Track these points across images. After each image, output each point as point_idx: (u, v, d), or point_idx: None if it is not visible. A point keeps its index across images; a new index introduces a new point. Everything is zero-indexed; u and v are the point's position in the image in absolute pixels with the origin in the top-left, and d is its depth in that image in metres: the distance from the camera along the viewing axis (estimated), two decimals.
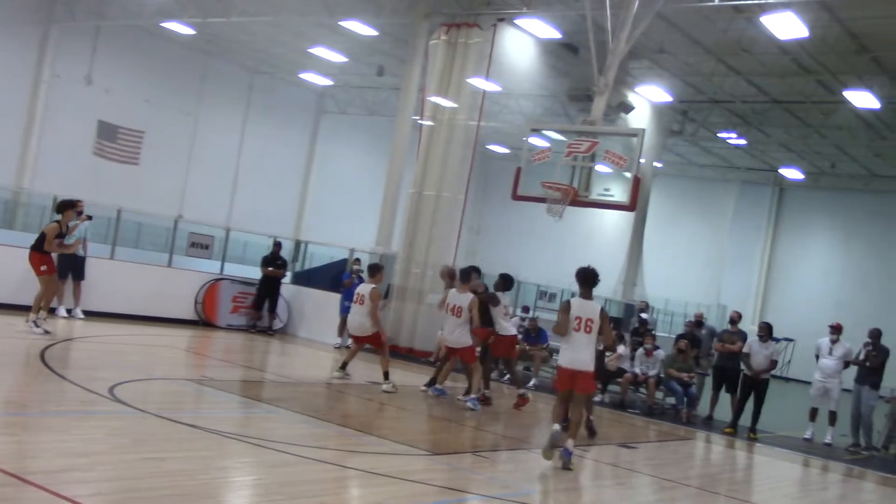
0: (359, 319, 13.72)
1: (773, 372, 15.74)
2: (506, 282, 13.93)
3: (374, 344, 14.03)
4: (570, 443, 9.64)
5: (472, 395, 13.06)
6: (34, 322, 13.49)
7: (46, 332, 13.34)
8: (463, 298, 13.05)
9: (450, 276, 13.97)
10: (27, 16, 27.53)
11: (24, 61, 27.73)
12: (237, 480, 7.42)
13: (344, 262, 20.86)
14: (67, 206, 14.19)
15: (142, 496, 6.18)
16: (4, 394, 9.56)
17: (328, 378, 14.30)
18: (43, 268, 13.67)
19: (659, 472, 10.49)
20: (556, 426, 9.70)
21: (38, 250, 13.65)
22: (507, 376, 16.16)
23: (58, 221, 13.97)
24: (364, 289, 13.79)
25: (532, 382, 17.29)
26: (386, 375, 13.53)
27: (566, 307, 10.03)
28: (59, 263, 15.25)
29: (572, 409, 10.03)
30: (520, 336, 17.96)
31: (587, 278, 10.06)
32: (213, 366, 14.93)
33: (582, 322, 9.85)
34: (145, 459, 7.30)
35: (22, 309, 14.44)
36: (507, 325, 13.89)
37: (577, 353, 9.87)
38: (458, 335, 13.09)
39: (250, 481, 7.43)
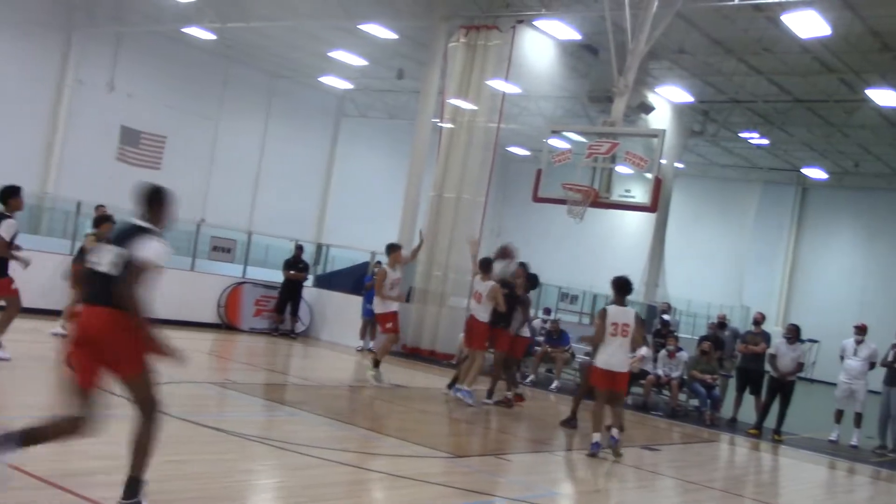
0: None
1: (805, 374, 15.62)
2: (532, 282, 14.02)
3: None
4: (615, 431, 10.53)
5: (465, 388, 13.01)
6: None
7: None
8: (484, 286, 13.24)
9: (503, 255, 13.95)
10: (49, 22, 27.76)
11: (48, 68, 27.98)
12: (260, 483, 7.45)
13: (365, 265, 20.89)
14: (105, 221, 14.51)
15: (165, 499, 6.21)
16: (29, 398, 9.62)
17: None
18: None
19: (682, 475, 10.44)
20: (598, 436, 10.44)
21: (80, 263, 14.08)
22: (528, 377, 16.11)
23: (94, 234, 14.28)
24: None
25: (554, 385, 17.25)
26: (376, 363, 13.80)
27: (603, 315, 10.79)
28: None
29: (613, 408, 10.81)
30: (541, 338, 17.98)
31: (623, 286, 10.91)
32: (236, 369, 14.99)
33: (619, 327, 10.61)
34: (169, 462, 7.33)
35: (46, 314, 14.55)
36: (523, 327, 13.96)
37: (614, 356, 10.63)
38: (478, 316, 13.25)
39: (273, 484, 7.46)
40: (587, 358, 17.25)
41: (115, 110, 29.44)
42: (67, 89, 28.44)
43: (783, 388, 15.08)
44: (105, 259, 5.67)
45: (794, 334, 15.37)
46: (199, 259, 19.69)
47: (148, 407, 5.92)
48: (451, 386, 13.80)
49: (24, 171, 25.14)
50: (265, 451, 8.33)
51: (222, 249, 19.70)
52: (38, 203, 27.19)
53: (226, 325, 19.07)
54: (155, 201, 6.22)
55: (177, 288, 18.38)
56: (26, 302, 12.56)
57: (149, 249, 5.72)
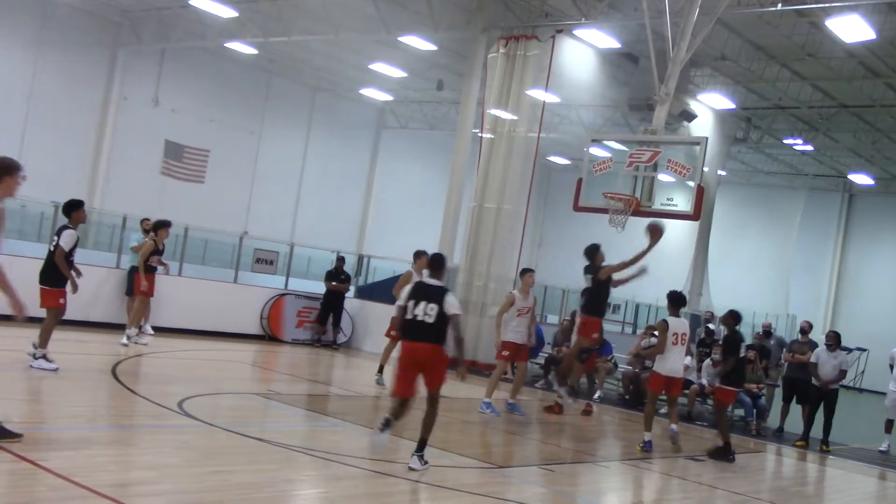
0: None
1: (845, 382, 15.36)
2: None
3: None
4: (674, 426, 12.03)
5: (487, 399, 13.14)
6: (128, 336, 14.74)
7: (145, 344, 14.75)
8: (528, 301, 13.78)
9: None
10: (95, 40, 28.27)
11: (94, 85, 28.48)
12: (303, 493, 7.48)
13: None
14: (162, 226, 15.40)
15: None
16: (77, 409, 9.77)
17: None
18: (144, 286, 15.00)
19: (728, 486, 10.30)
20: (650, 434, 11.65)
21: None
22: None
23: (154, 240, 15.17)
24: None
25: (597, 395, 17.13)
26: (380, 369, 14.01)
27: (665, 327, 11.77)
28: (130, 281, 15.76)
29: (672, 407, 12.38)
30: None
31: (678, 300, 12.27)
32: (279, 380, 15.09)
33: (679, 336, 11.75)
34: (213, 473, 7.40)
35: (91, 325, 14.79)
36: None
37: (675, 364, 11.78)
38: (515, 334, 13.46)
39: (316, 494, 7.49)
40: (629, 367, 17.18)
41: (159, 125, 29.88)
42: (113, 106, 28.92)
43: (826, 397, 14.76)
44: (427, 312, 8.44)
45: (834, 341, 15.07)
46: (242, 271, 19.89)
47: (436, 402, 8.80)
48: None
49: (72, 185, 25.60)
50: (308, 462, 8.37)
51: (265, 261, 19.87)
52: (87, 217, 27.60)
53: (269, 336, 19.22)
54: (440, 266, 8.98)
55: (221, 300, 18.62)
56: (73, 314, 12.80)
57: (453, 305, 8.47)
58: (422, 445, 8.45)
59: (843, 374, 14.98)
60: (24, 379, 10.21)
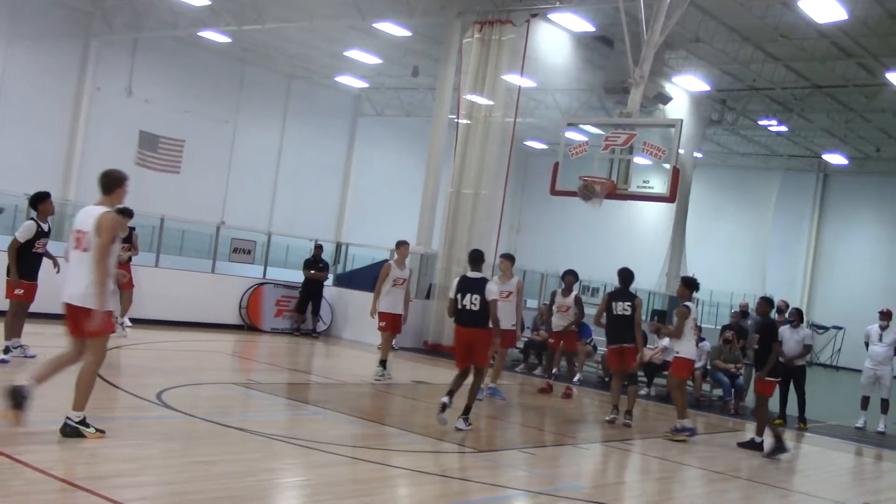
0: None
1: (823, 361, 15.49)
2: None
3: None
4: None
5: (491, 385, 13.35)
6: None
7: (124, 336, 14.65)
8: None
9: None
10: (67, 30, 27.99)
11: (66, 75, 28.20)
12: (285, 482, 7.48)
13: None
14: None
15: (191, 499, 6.25)
16: (56, 401, 9.69)
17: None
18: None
19: (708, 465, 10.39)
20: (689, 421, 12.06)
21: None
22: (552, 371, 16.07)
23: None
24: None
25: (577, 378, 17.22)
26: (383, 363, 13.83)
27: (687, 313, 11.88)
28: None
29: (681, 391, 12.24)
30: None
31: (695, 285, 12.37)
32: (259, 369, 15.06)
33: (693, 322, 12.16)
34: (194, 463, 7.39)
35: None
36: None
37: (693, 348, 12.30)
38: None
39: (297, 482, 7.49)
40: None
41: (133, 116, 29.65)
42: (86, 96, 28.67)
43: (793, 374, 14.79)
44: (472, 302, 10.25)
45: (797, 317, 15.14)
46: (219, 261, 19.78)
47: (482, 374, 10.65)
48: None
49: (46, 178, 25.34)
50: (289, 450, 8.37)
51: (242, 251, 19.78)
52: (61, 210, 27.39)
53: (248, 326, 19.16)
54: (479, 260, 10.75)
55: (198, 290, 18.54)
56: (49, 307, 12.70)
57: (491, 293, 10.32)
58: (467, 410, 10.21)
59: (807, 349, 15.04)
60: (4, 371, 10.13)
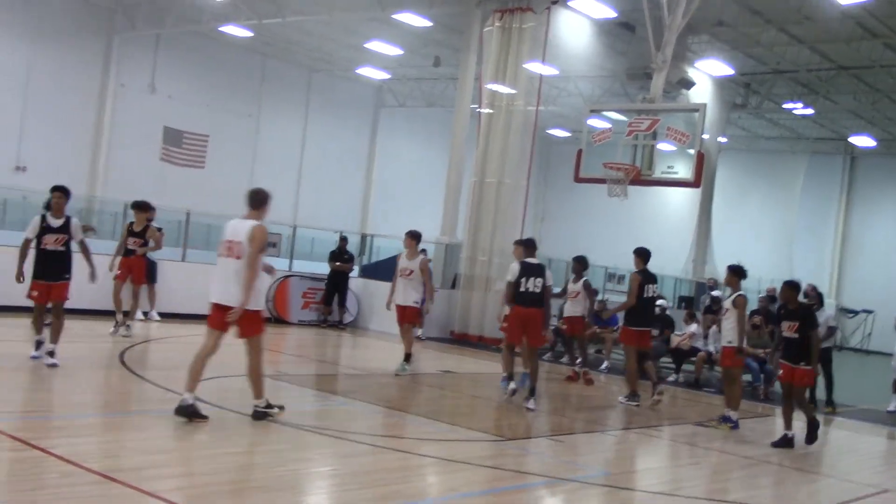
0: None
1: (860, 345, 15.32)
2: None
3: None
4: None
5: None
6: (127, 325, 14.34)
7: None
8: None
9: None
10: (90, 28, 28.19)
11: (90, 73, 28.41)
12: (314, 471, 7.52)
13: None
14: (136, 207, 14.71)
15: (221, 490, 6.30)
16: (88, 396, 9.82)
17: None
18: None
19: (738, 451, 10.34)
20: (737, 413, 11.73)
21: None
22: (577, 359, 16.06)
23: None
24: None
25: (604, 365, 17.18)
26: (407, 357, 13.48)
27: (745, 302, 11.54)
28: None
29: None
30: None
31: (744, 273, 11.69)
32: (287, 361, 15.13)
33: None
34: (224, 454, 7.44)
35: (100, 314, 14.81)
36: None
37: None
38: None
39: (326, 472, 7.53)
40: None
41: (157, 112, 29.83)
42: (110, 94, 28.86)
43: (819, 358, 14.54)
44: (535, 285, 11.36)
45: (816, 300, 14.95)
46: None
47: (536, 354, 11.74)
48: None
49: (73, 175, 25.55)
50: (318, 440, 8.42)
51: (268, 244, 19.83)
52: (88, 206, 27.64)
53: (274, 318, 19.24)
54: (534, 246, 12.03)
55: None
56: (79, 303, 12.85)
57: (549, 278, 11.55)
58: (532, 391, 11.27)
59: (831, 331, 14.83)
60: (31, 369, 10.23)
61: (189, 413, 8.14)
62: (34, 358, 10.59)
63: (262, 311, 8.78)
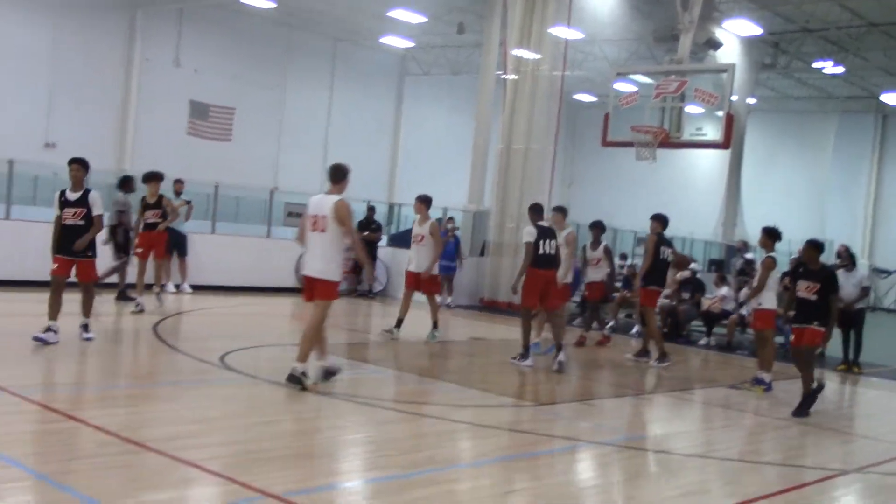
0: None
1: (888, 305, 15.15)
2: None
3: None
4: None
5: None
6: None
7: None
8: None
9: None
10: (113, 3, 28.19)
11: (115, 48, 28.46)
12: (348, 439, 7.57)
13: (438, 221, 20.91)
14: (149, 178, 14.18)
15: (257, 458, 6.36)
16: (123, 367, 9.95)
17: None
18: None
19: (771, 413, 10.30)
20: (769, 375, 11.71)
21: None
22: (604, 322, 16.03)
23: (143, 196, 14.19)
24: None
25: (635, 329, 17.15)
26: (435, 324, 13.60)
27: (773, 264, 11.56)
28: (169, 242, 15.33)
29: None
30: (619, 284, 17.86)
31: (779, 235, 11.63)
32: None
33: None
34: (258, 423, 7.51)
35: (128, 286, 14.95)
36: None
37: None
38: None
39: (361, 439, 7.57)
40: (666, 300, 17.00)
41: (182, 85, 29.86)
42: (136, 68, 28.93)
43: (852, 319, 14.45)
44: (551, 246, 11.73)
45: (848, 259, 14.74)
46: (274, 226, 19.98)
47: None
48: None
49: (101, 150, 25.73)
50: (352, 408, 8.47)
51: (296, 215, 19.90)
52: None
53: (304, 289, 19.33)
54: (540, 210, 12.15)
55: (255, 255, 18.75)
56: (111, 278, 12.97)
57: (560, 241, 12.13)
58: (559, 347, 11.54)
59: (865, 291, 14.66)
60: (65, 342, 10.33)
61: (298, 381, 8.60)
62: (37, 339, 9.74)
63: (339, 281, 9.14)
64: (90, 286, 10.41)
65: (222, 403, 8.13)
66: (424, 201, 13.54)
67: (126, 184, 15.22)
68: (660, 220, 13.26)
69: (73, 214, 10.13)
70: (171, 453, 6.10)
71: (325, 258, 8.83)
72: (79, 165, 10.22)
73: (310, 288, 8.97)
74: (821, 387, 10.28)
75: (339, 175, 9.19)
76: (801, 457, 8.66)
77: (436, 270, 13.87)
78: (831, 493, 7.22)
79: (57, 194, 10.31)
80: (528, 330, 11.87)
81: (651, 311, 13.23)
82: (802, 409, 10.03)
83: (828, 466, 8.02)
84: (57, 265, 10.14)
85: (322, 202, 9.00)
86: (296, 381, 8.64)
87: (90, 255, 10.32)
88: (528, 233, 11.69)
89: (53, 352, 9.65)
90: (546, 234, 11.69)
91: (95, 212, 10.24)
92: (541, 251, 11.56)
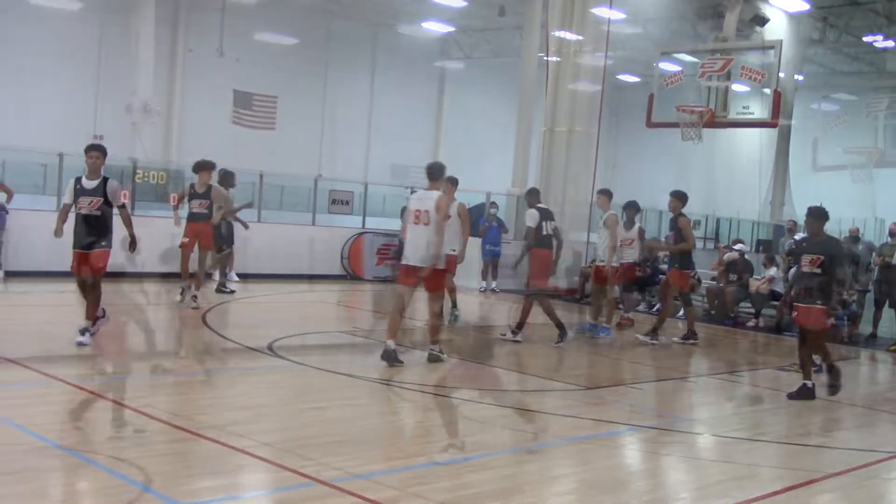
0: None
1: None
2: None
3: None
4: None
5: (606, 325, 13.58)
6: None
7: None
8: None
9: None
10: None
11: (161, 41, 28.72)
12: (397, 424, 7.62)
13: (481, 206, 20.90)
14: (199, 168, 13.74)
15: (307, 444, 6.42)
16: (172, 356, 10.09)
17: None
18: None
19: (821, 394, 10.16)
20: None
21: None
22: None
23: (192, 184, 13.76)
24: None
25: (681, 312, 16.98)
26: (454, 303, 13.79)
27: None
28: (218, 233, 14.95)
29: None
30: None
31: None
32: (364, 317, 15.32)
33: None
34: (307, 409, 7.59)
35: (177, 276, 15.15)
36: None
37: None
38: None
39: (410, 424, 7.62)
40: (714, 282, 16.82)
41: (226, 75, 30.09)
42: (180, 59, 29.22)
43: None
44: (550, 227, 12.16)
45: None
46: (319, 213, 20.09)
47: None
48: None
49: (148, 142, 26.04)
50: (400, 394, 8.52)
51: (341, 202, 20.02)
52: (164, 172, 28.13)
53: (350, 275, 19.46)
54: (537, 194, 12.65)
55: (300, 242, 18.87)
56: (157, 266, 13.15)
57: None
58: (563, 331, 12.10)
59: None
60: (110, 331, 10.42)
61: (391, 357, 9.40)
62: (80, 344, 9.31)
63: (445, 269, 10.09)
64: (98, 281, 9.54)
65: (272, 391, 8.23)
66: (451, 181, 13.41)
67: (227, 179, 15.18)
68: (681, 198, 13.07)
69: (89, 204, 9.44)
70: (222, 440, 6.19)
71: (425, 249, 9.62)
72: (98, 153, 9.47)
73: (412, 275, 9.79)
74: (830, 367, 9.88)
75: (437, 173, 10.04)
76: (851, 439, 8.53)
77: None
78: (885, 476, 7.11)
79: (72, 181, 9.59)
80: (552, 309, 12.12)
81: (679, 293, 13.49)
82: (834, 387, 9.68)
83: (881, 449, 7.90)
84: (75, 262, 9.56)
85: (424, 198, 9.83)
86: (436, 358, 9.87)
87: (103, 246, 9.54)
88: (531, 216, 12.07)
89: (100, 341, 9.77)
90: (546, 215, 12.17)
91: (117, 203, 9.66)
92: (543, 232, 12.04)
